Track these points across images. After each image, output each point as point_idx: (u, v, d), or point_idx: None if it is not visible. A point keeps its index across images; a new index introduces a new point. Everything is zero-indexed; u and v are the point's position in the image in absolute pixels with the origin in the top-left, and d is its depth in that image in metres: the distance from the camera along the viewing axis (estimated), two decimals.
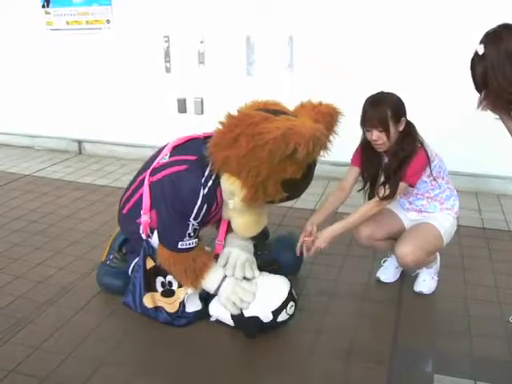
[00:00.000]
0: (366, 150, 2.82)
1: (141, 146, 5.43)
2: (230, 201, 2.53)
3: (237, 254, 2.73)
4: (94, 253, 3.40)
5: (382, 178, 2.77)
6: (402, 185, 2.68)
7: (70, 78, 5.76)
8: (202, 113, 5.23)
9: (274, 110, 2.46)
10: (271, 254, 3.01)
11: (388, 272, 3.10)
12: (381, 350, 2.50)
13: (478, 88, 2.16)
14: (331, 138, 2.57)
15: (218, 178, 2.50)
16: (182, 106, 5.38)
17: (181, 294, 2.71)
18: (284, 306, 2.56)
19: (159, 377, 2.35)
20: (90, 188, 4.79)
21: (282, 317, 2.57)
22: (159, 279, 2.77)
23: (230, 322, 2.64)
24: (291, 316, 2.62)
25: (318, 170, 4.57)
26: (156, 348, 2.55)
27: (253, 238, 2.85)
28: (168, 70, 5.34)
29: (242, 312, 2.57)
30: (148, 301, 2.74)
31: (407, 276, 3.11)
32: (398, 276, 3.11)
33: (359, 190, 2.95)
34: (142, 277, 2.75)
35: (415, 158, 2.65)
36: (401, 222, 2.98)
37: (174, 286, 2.74)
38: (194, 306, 2.72)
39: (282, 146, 2.19)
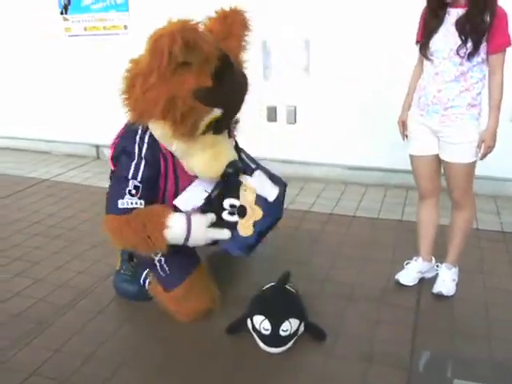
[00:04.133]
0: (430, 4, 2.70)
1: None
2: (172, 148, 2.50)
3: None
4: (112, 257, 3.40)
5: (457, 38, 2.59)
6: (497, 58, 2.59)
7: (88, 83, 5.81)
8: None
9: None
10: None
11: (408, 275, 3.08)
12: (400, 354, 2.49)
13: None
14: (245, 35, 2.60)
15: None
16: None
17: (248, 198, 2.65)
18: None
19: (177, 379, 2.36)
20: None
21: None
22: (225, 214, 2.65)
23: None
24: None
25: (335, 173, 4.54)
26: (174, 351, 2.56)
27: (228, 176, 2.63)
28: None
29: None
30: (244, 231, 2.64)
31: (426, 281, 3.09)
32: (416, 281, 3.09)
33: (417, 43, 2.81)
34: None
35: (497, 17, 2.53)
36: (434, 158, 2.87)
37: (237, 203, 2.65)
38: (272, 192, 2.70)
39: (159, 57, 2.13)
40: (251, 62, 4.92)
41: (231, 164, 2.54)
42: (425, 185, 2.97)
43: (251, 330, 2.57)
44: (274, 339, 2.49)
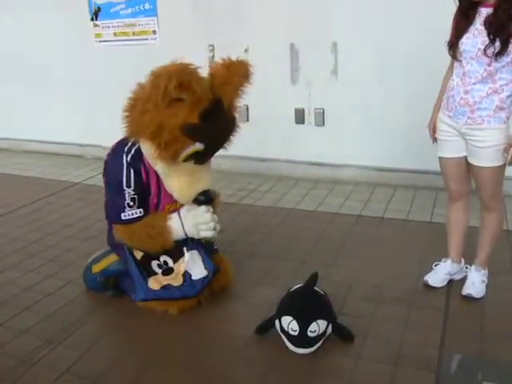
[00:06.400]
0: (462, 4, 2.67)
1: None
2: (156, 166, 2.75)
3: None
4: None
5: (485, 37, 2.56)
6: None
7: (118, 88, 5.87)
8: (248, 120, 5.25)
9: None
10: None
11: (437, 277, 3.06)
12: (428, 355, 2.47)
13: None
14: (242, 85, 2.69)
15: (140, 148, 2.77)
16: None
17: (180, 267, 2.91)
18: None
19: (206, 380, 2.39)
20: None
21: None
22: (154, 263, 2.94)
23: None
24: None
25: (364, 175, 4.52)
26: (201, 353, 2.58)
27: (199, 203, 2.88)
28: None
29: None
30: (153, 284, 2.88)
31: (455, 283, 3.06)
32: (445, 283, 3.06)
33: (448, 43, 2.74)
34: (136, 267, 2.89)
35: None
36: (462, 160, 2.84)
37: (170, 264, 2.92)
38: (199, 273, 2.90)
39: (157, 90, 2.43)
40: (279, 65, 4.98)
41: (203, 193, 2.86)
42: (454, 186, 2.94)
43: (279, 331, 2.58)
44: (301, 340, 2.50)
